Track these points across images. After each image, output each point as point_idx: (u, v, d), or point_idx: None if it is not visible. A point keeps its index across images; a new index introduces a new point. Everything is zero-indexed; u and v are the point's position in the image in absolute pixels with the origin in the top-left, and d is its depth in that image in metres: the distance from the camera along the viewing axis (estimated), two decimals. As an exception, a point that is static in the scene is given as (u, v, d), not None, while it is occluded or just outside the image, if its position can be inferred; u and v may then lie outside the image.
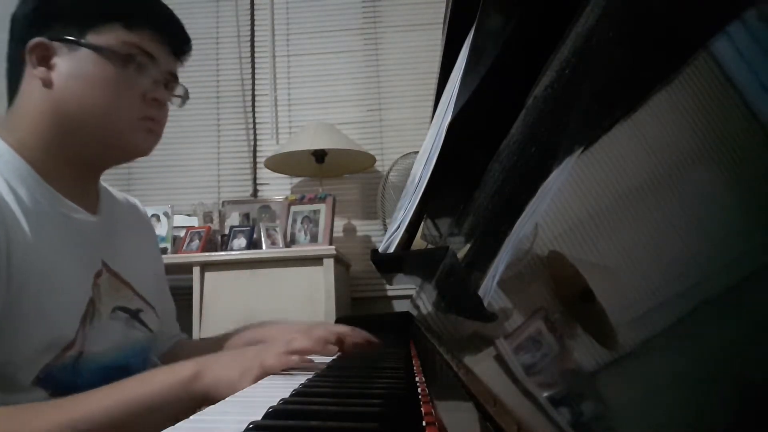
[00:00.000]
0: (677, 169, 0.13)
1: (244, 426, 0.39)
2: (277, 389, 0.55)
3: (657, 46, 0.16)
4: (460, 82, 0.57)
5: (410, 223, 0.79)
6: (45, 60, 0.74)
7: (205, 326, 1.91)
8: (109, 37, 0.75)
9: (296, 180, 2.55)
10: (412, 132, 2.48)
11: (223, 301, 1.95)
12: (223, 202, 2.41)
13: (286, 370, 0.67)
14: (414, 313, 0.97)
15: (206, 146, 2.60)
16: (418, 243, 1.03)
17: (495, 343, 0.25)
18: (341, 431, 0.40)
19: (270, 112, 2.60)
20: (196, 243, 2.18)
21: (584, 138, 0.20)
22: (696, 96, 0.13)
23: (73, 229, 0.76)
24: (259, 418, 0.42)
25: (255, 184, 2.56)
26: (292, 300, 1.90)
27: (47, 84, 0.74)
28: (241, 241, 2.15)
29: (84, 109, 0.74)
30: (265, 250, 2.06)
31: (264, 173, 2.52)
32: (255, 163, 2.56)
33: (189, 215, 2.40)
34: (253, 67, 2.63)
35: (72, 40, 0.74)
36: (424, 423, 0.40)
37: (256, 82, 2.62)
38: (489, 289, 0.28)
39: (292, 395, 0.51)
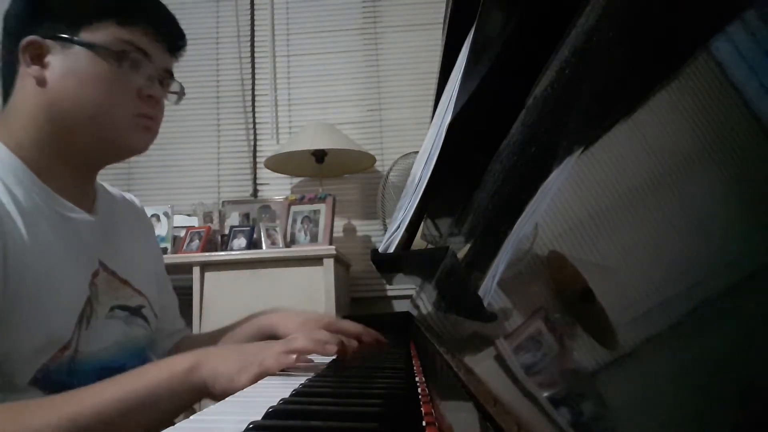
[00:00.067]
0: (677, 169, 0.13)
1: (244, 426, 0.39)
2: (277, 389, 0.55)
3: (657, 46, 0.16)
4: (460, 82, 0.57)
5: (410, 223, 0.79)
6: (39, 58, 0.74)
7: (205, 326, 1.91)
8: (102, 34, 0.74)
9: (296, 180, 2.55)
10: (412, 132, 2.48)
11: (223, 301, 1.95)
12: (223, 202, 2.41)
13: (284, 370, 0.67)
14: (414, 313, 0.97)
15: (206, 146, 2.60)
16: (418, 243, 1.03)
17: (495, 343, 0.25)
18: (341, 431, 0.40)
19: (270, 112, 2.60)
20: (196, 243, 2.18)
21: (584, 138, 0.20)
22: (696, 96, 0.13)
23: (69, 229, 0.76)
24: (259, 418, 0.42)
25: (255, 184, 2.56)
26: (292, 300, 1.90)
27: (41, 82, 0.74)
28: (241, 241, 2.15)
29: (78, 107, 0.74)
30: (265, 250, 2.06)
31: (264, 173, 2.53)
32: (255, 163, 2.57)
33: (189, 215, 2.40)
34: (253, 67, 2.63)
35: (65, 37, 0.73)
36: (424, 423, 0.40)
37: (256, 82, 2.62)
38: (489, 289, 0.28)
39: (292, 395, 0.51)
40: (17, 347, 0.66)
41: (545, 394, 0.17)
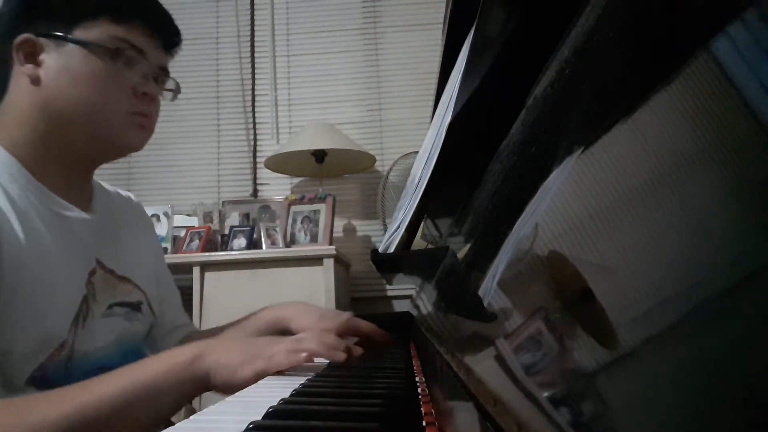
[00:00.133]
0: (677, 169, 0.13)
1: (244, 426, 0.39)
2: (277, 389, 0.55)
3: (657, 46, 0.16)
4: (460, 82, 0.57)
5: (410, 223, 0.79)
6: (32, 57, 0.74)
7: (205, 326, 1.91)
8: (96, 31, 0.74)
9: (296, 180, 2.55)
10: (412, 132, 2.49)
11: (223, 301, 1.95)
12: (223, 202, 2.41)
13: (286, 369, 0.67)
14: (414, 313, 0.97)
15: (206, 146, 2.60)
16: (418, 243, 1.03)
17: (495, 343, 0.25)
18: (341, 431, 0.40)
19: (270, 112, 2.60)
20: (196, 243, 2.18)
21: (584, 138, 0.20)
22: (696, 96, 0.13)
23: (65, 228, 0.75)
24: (259, 418, 0.42)
25: (255, 184, 2.56)
26: (292, 300, 1.90)
27: (35, 81, 0.73)
28: (241, 241, 2.16)
29: (73, 106, 0.73)
30: (265, 250, 2.06)
31: (264, 173, 2.53)
32: (255, 163, 2.57)
33: (189, 215, 2.40)
34: (253, 67, 2.63)
35: (59, 35, 0.73)
36: (424, 423, 0.40)
37: (256, 82, 2.62)
38: (489, 289, 0.28)
39: (292, 395, 0.51)
40: (13, 347, 0.66)
41: (545, 394, 0.17)
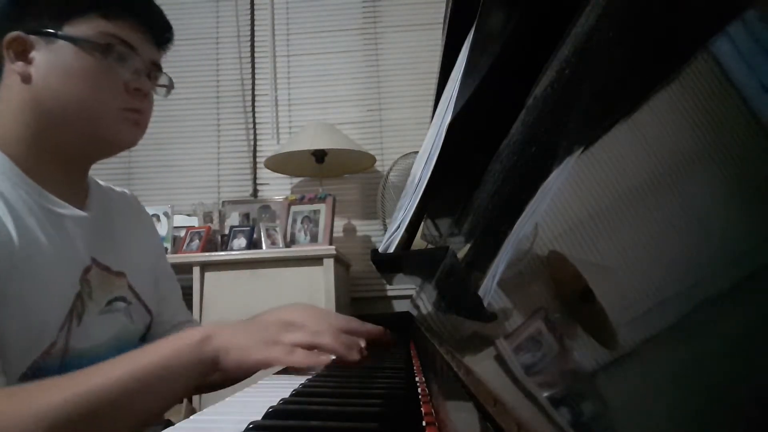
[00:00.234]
0: (677, 169, 0.13)
1: (244, 426, 0.39)
2: (277, 389, 0.55)
3: (657, 46, 0.16)
4: (460, 82, 0.57)
5: (410, 223, 0.79)
6: (23, 54, 0.73)
7: (205, 326, 1.92)
8: (86, 27, 0.73)
9: (296, 180, 2.55)
10: (412, 132, 2.49)
11: (223, 301, 1.95)
12: (223, 202, 2.41)
13: (293, 368, 0.66)
14: (414, 313, 0.97)
15: (206, 146, 2.60)
16: (418, 243, 1.03)
17: (495, 343, 0.25)
18: (341, 431, 0.40)
19: (270, 112, 2.60)
20: (196, 243, 2.18)
21: (584, 138, 0.20)
22: (696, 96, 0.13)
23: (59, 225, 0.75)
24: (259, 418, 0.42)
25: (255, 184, 2.56)
26: (292, 300, 1.90)
27: (26, 79, 0.73)
28: (241, 241, 2.16)
29: (64, 103, 0.73)
30: (265, 250, 2.06)
31: (264, 173, 2.53)
32: (255, 163, 2.57)
33: (189, 215, 2.40)
34: (253, 67, 2.63)
35: (49, 32, 0.73)
36: (424, 423, 0.40)
37: (256, 82, 2.62)
38: (489, 289, 0.28)
39: (292, 395, 0.51)
40: (6, 343, 0.65)
41: (545, 394, 0.17)
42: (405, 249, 0.85)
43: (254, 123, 2.60)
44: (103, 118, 0.75)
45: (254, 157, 2.57)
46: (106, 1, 0.75)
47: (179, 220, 2.36)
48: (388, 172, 2.36)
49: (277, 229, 2.15)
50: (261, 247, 2.08)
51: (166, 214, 2.31)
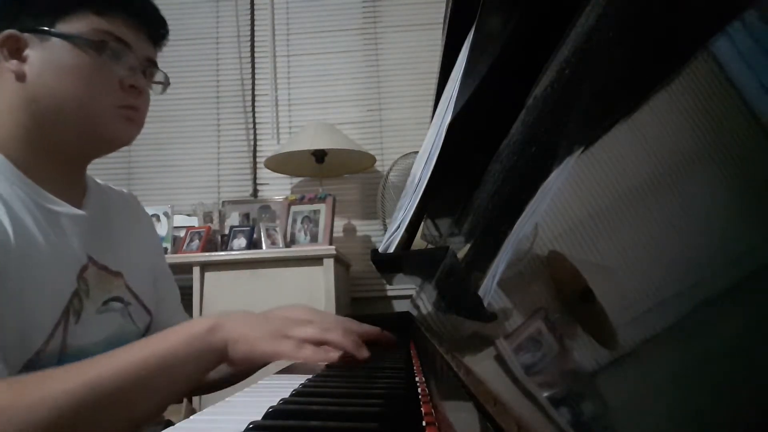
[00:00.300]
0: (677, 169, 0.13)
1: (244, 426, 0.39)
2: (277, 389, 0.55)
3: (657, 46, 0.16)
4: (460, 82, 0.57)
5: (410, 223, 0.79)
6: (17, 53, 0.73)
7: (205, 326, 1.92)
8: (80, 25, 0.73)
9: (296, 180, 2.55)
10: (412, 132, 2.49)
11: (223, 301, 1.95)
12: (223, 202, 2.41)
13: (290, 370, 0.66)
14: (414, 313, 0.97)
15: (206, 146, 2.60)
16: (418, 243, 1.03)
17: (495, 343, 0.25)
18: (341, 431, 0.40)
19: (270, 112, 2.60)
20: (196, 243, 2.18)
21: (584, 138, 0.20)
22: (696, 96, 0.13)
23: (56, 224, 0.74)
24: (259, 418, 0.42)
25: (255, 184, 2.56)
26: (292, 300, 1.89)
27: (20, 77, 0.73)
28: (241, 241, 2.16)
29: (59, 101, 0.73)
30: (265, 250, 2.06)
31: (264, 173, 2.53)
32: (255, 163, 2.57)
33: (189, 215, 2.40)
34: (253, 67, 2.63)
35: (42, 30, 0.72)
36: (424, 423, 0.40)
37: (256, 82, 2.62)
38: (489, 289, 0.28)
39: (292, 395, 0.51)
40: (2, 340, 0.65)
41: (545, 394, 0.17)
42: (405, 249, 0.85)
43: (254, 123, 2.60)
44: (99, 115, 0.75)
45: (254, 157, 2.57)
46: None
47: (179, 220, 2.36)
48: (388, 172, 2.36)
49: (277, 229, 2.15)
50: (261, 247, 2.08)
51: (166, 214, 2.31)
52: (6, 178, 0.71)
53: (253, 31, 2.66)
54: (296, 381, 0.59)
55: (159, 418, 0.84)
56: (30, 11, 0.73)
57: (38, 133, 0.74)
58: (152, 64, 0.82)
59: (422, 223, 0.94)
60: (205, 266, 2.00)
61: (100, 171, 2.30)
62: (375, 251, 1.03)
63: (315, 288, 1.95)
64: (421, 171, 0.73)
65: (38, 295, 0.69)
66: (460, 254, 0.44)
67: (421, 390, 0.52)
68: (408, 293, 1.91)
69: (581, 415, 0.15)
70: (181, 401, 1.42)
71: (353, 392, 0.54)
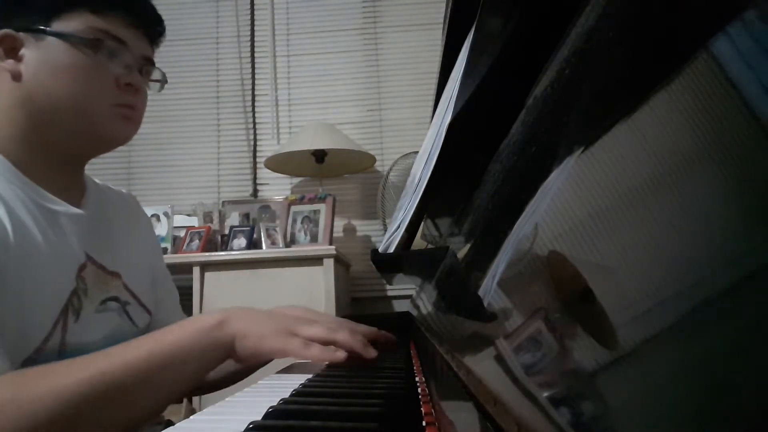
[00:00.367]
0: (677, 169, 0.13)
1: (244, 426, 0.39)
2: (277, 389, 0.55)
3: (657, 46, 0.16)
4: (460, 82, 0.57)
5: (410, 223, 0.79)
6: (13, 52, 0.73)
7: (205, 326, 1.92)
8: (76, 23, 0.73)
9: (296, 180, 2.55)
10: (412, 132, 2.49)
11: (223, 301, 1.95)
12: (223, 202, 2.41)
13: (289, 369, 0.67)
14: (414, 313, 0.97)
15: (206, 146, 2.60)
16: (418, 243, 1.03)
17: (495, 343, 0.25)
18: (341, 431, 0.40)
19: (270, 112, 2.60)
20: (196, 243, 2.18)
21: (584, 138, 0.20)
22: (696, 96, 0.13)
23: (54, 222, 0.74)
24: (259, 418, 0.42)
25: (255, 184, 2.56)
26: (292, 300, 1.89)
27: (16, 77, 0.72)
28: (241, 241, 2.16)
29: (55, 100, 0.73)
30: (265, 250, 2.06)
31: (264, 173, 2.53)
32: (255, 163, 2.57)
33: (189, 215, 2.40)
34: (253, 67, 2.63)
35: (38, 29, 0.72)
36: (424, 423, 0.40)
37: (256, 82, 2.62)
38: (489, 289, 0.28)
39: (292, 395, 0.51)
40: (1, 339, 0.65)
41: (545, 394, 0.17)
42: (405, 249, 0.85)
43: (254, 123, 2.60)
44: (95, 114, 0.75)
45: (254, 157, 2.57)
46: None
47: (179, 220, 2.36)
48: (388, 172, 2.36)
49: (277, 229, 2.15)
50: (261, 247, 2.08)
51: (166, 214, 2.31)
52: (5, 178, 0.71)
53: (253, 31, 2.66)
54: (296, 381, 0.59)
55: (159, 418, 0.84)
56: (25, 11, 0.73)
57: (35, 132, 0.74)
58: (149, 63, 0.82)
59: (422, 223, 0.94)
60: (205, 266, 2.00)
61: (100, 171, 2.30)
62: (375, 251, 1.03)
63: (315, 288, 1.95)
64: (421, 171, 0.73)
65: (37, 294, 0.69)
66: (460, 254, 0.44)
67: (421, 390, 0.52)
68: (408, 293, 1.91)
69: (581, 415, 0.15)
70: (181, 401, 1.42)
71: (353, 392, 0.54)
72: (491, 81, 0.52)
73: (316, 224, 2.19)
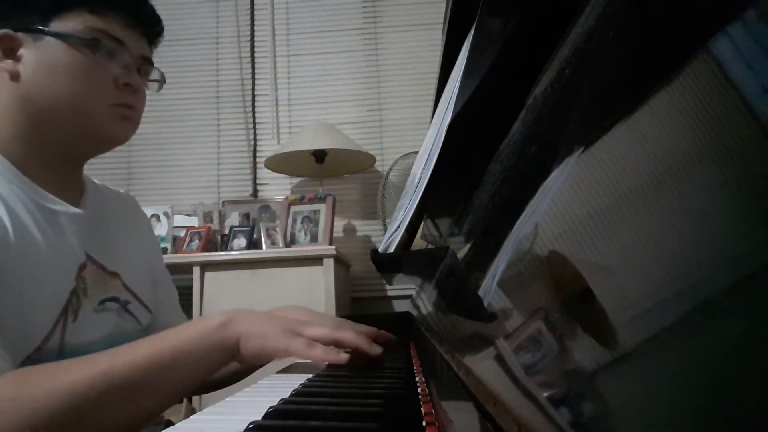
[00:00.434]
0: (677, 169, 0.13)
1: (244, 426, 0.39)
2: (277, 389, 0.55)
3: (657, 46, 0.16)
4: (460, 82, 0.57)
5: (410, 223, 0.79)
6: (11, 52, 0.73)
7: (205, 326, 1.91)
8: (74, 23, 0.73)
9: (296, 180, 2.55)
10: (412, 132, 2.49)
11: (223, 301, 1.95)
12: (223, 202, 2.41)
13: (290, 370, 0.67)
14: (414, 313, 0.97)
15: (206, 146, 2.60)
16: (418, 243, 1.03)
17: (495, 343, 0.25)
18: (341, 431, 0.40)
19: (270, 112, 2.60)
20: (196, 243, 2.18)
21: (584, 138, 0.20)
22: (696, 96, 0.13)
23: (54, 222, 0.74)
24: (259, 418, 0.42)
25: (255, 184, 2.56)
26: (292, 300, 1.90)
27: (14, 77, 0.73)
28: (241, 241, 2.16)
29: (53, 100, 0.73)
30: (265, 250, 2.06)
31: (264, 173, 2.53)
32: (255, 163, 2.57)
33: (189, 215, 2.40)
34: (253, 67, 2.63)
35: (36, 29, 0.72)
36: (424, 423, 0.40)
37: (256, 82, 2.62)
38: (489, 289, 0.28)
39: (292, 395, 0.51)
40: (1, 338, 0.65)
41: (545, 394, 0.17)
42: (405, 249, 0.85)
43: (254, 123, 2.60)
44: (94, 114, 0.75)
45: (254, 157, 2.57)
46: None
47: (179, 220, 2.36)
48: (388, 172, 2.36)
49: (277, 229, 2.15)
50: (261, 247, 2.08)
51: (166, 214, 2.30)
52: (5, 178, 0.71)
53: (253, 31, 2.66)
54: (296, 381, 0.59)
55: (159, 418, 0.84)
56: (24, 11, 0.73)
57: (34, 132, 0.74)
58: (147, 62, 0.82)
59: (422, 223, 0.94)
60: (205, 266, 2.00)
61: (100, 171, 2.30)
62: (375, 251, 1.03)
63: (315, 288, 1.95)
64: (421, 171, 0.73)
65: (37, 293, 0.69)
66: (460, 254, 0.44)
67: (421, 390, 0.52)
68: (408, 293, 1.91)
69: (581, 415, 0.15)
70: (181, 401, 1.42)
71: (353, 392, 0.54)
72: (491, 81, 0.52)
73: (316, 224, 2.19)
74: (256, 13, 2.66)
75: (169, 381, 0.60)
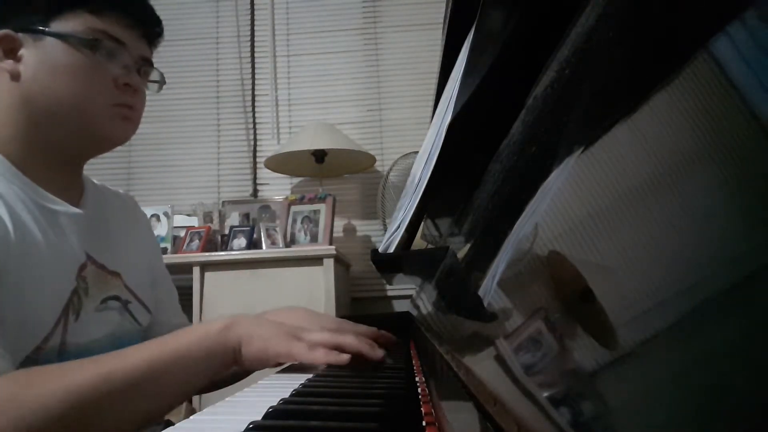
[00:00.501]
0: (677, 169, 0.13)
1: (244, 426, 0.39)
2: (277, 389, 0.55)
3: (657, 46, 0.16)
4: (460, 82, 0.57)
5: (410, 223, 0.79)
6: (12, 52, 0.73)
7: (205, 326, 1.91)
8: (74, 23, 0.73)
9: (296, 180, 2.55)
10: (412, 132, 2.49)
11: (223, 301, 1.95)
12: (223, 202, 2.41)
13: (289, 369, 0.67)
14: (414, 313, 0.97)
15: (206, 146, 2.60)
16: (418, 243, 1.03)
17: (495, 343, 0.25)
18: (341, 431, 0.40)
19: (270, 112, 2.60)
20: (196, 243, 2.18)
21: (584, 138, 0.20)
22: (696, 96, 0.13)
23: (54, 222, 0.75)
24: (259, 418, 0.42)
25: (255, 184, 2.56)
26: (292, 300, 1.90)
27: (15, 77, 0.73)
28: (241, 241, 2.16)
29: (54, 100, 0.73)
30: (265, 250, 2.06)
31: (264, 173, 2.53)
32: (255, 163, 2.57)
33: (189, 215, 2.40)
34: (253, 67, 2.63)
35: (37, 29, 0.73)
36: (424, 423, 0.40)
37: (256, 82, 2.62)
38: (489, 289, 0.28)
39: (292, 395, 0.51)
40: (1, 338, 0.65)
41: (545, 394, 0.17)
42: (405, 249, 0.85)
43: (254, 123, 2.60)
44: (94, 114, 0.75)
45: (254, 157, 2.57)
46: None
47: (179, 220, 2.36)
48: (388, 172, 2.36)
49: (277, 229, 2.15)
50: (261, 247, 2.08)
51: (166, 214, 2.30)
52: (5, 178, 0.71)
53: (253, 31, 2.66)
54: (296, 381, 0.59)
55: (159, 418, 0.84)
56: (24, 11, 0.73)
57: (35, 132, 0.74)
58: (147, 63, 0.82)
59: (422, 223, 0.94)
60: (205, 266, 2.00)
61: (100, 171, 2.30)
62: (375, 251, 1.03)
63: (315, 288, 1.95)
64: (421, 171, 0.73)
65: (38, 293, 0.69)
66: (460, 254, 0.44)
67: (421, 390, 0.52)
68: (408, 293, 1.91)
69: (581, 415, 0.15)
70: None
71: (353, 392, 0.54)
72: (491, 81, 0.52)
73: (316, 224, 2.19)
74: (256, 13, 2.66)
75: (170, 384, 0.60)
